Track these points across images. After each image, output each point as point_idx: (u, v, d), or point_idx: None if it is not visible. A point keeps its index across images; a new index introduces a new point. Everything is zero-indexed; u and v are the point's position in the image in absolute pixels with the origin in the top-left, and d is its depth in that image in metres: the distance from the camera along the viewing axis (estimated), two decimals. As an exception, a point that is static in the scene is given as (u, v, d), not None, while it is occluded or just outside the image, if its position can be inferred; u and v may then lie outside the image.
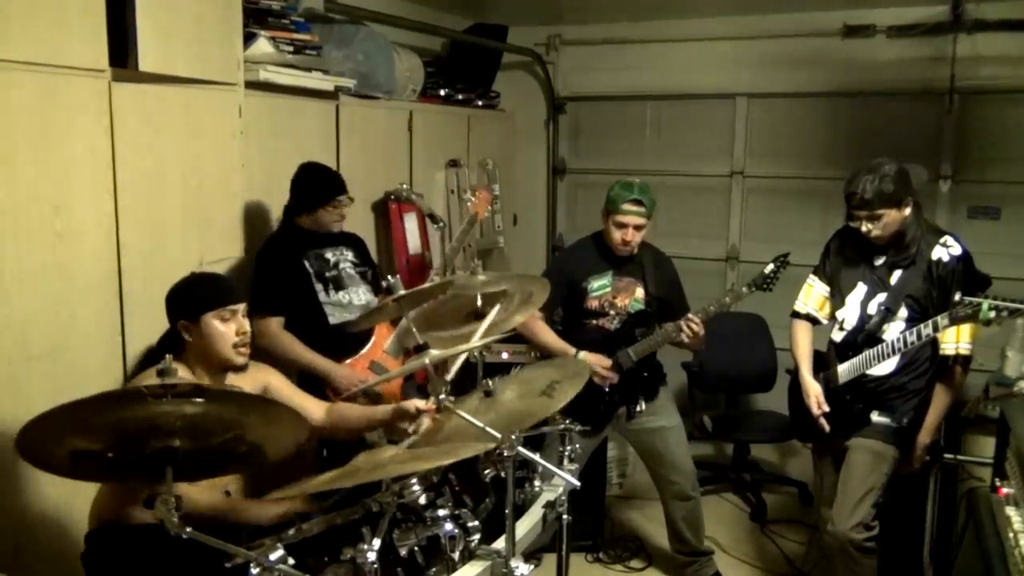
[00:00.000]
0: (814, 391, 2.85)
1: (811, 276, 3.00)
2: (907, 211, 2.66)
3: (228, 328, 2.17)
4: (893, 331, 2.71)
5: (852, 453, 2.76)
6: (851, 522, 2.68)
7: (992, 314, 2.37)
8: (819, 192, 4.96)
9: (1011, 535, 2.05)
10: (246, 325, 2.22)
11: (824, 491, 3.00)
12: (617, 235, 3.09)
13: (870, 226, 2.66)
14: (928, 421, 2.76)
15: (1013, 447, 2.36)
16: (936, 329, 2.53)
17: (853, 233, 2.78)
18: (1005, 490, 2.30)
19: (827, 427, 2.81)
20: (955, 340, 2.68)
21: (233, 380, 2.26)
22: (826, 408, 2.81)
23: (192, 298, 2.19)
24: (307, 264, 2.97)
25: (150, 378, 2.06)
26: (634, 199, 3.04)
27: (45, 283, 2.31)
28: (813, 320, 2.98)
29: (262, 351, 2.85)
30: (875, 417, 2.75)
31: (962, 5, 4.41)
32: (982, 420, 2.96)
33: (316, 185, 3.00)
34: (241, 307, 2.21)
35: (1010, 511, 2.18)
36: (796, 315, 3.01)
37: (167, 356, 1.89)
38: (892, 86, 4.66)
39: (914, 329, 2.60)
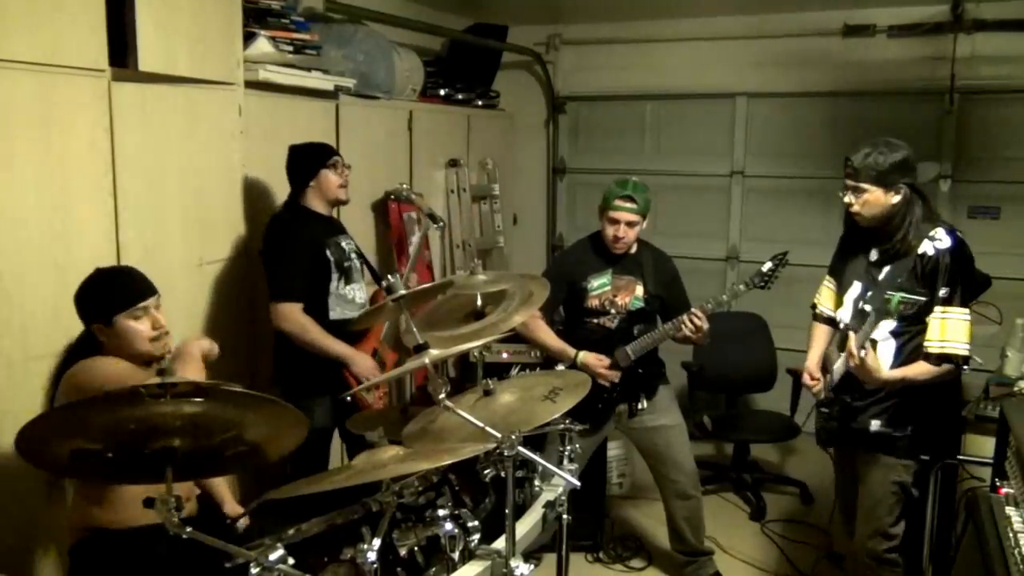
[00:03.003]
0: (808, 371, 2.81)
1: (827, 274, 2.91)
2: (895, 198, 2.51)
3: (142, 326, 2.13)
4: (883, 330, 2.57)
5: (862, 468, 2.70)
6: (868, 530, 2.65)
7: (901, 308, 2.36)
8: (819, 192, 4.96)
9: (1011, 535, 2.05)
10: (161, 318, 2.17)
11: (839, 495, 2.97)
12: (610, 231, 3.10)
13: (852, 199, 2.56)
14: (899, 372, 2.54)
15: (1013, 447, 2.36)
16: (871, 326, 2.42)
17: (856, 227, 2.67)
18: (1005, 490, 2.30)
19: (816, 391, 2.78)
20: (938, 338, 2.47)
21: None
22: (818, 380, 2.77)
23: (102, 301, 2.14)
24: (328, 252, 2.95)
25: (98, 368, 2.06)
26: (626, 195, 3.04)
27: (45, 283, 2.31)
28: (830, 320, 2.86)
29: (282, 334, 2.88)
30: (877, 427, 2.63)
31: (962, 5, 4.42)
32: (982, 420, 2.95)
33: (311, 151, 3.00)
34: (152, 300, 2.17)
35: (1010, 511, 2.18)
36: (813, 313, 2.94)
37: (167, 355, 1.90)
38: (892, 86, 4.67)
39: (863, 330, 2.46)
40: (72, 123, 2.36)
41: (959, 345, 2.46)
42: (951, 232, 2.52)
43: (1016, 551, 1.97)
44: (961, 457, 2.97)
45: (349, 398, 2.89)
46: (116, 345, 2.14)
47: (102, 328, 2.13)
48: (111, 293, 2.15)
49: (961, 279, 2.47)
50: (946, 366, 2.47)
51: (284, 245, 2.91)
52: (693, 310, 3.00)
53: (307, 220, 2.98)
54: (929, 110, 4.61)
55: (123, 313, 2.11)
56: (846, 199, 2.58)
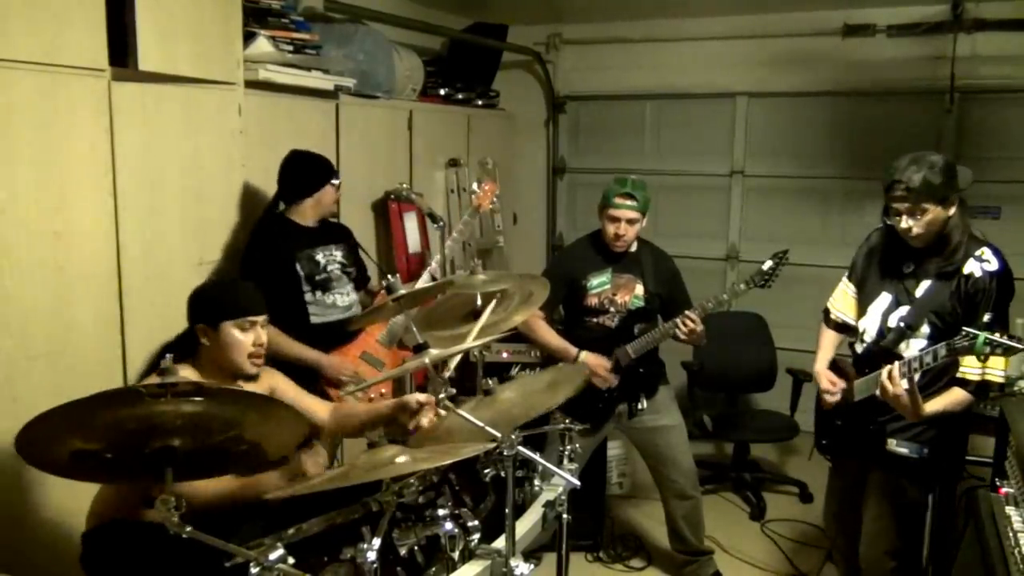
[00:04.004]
0: (826, 375, 2.70)
1: (844, 277, 2.81)
2: (952, 211, 2.40)
3: (246, 338, 2.17)
4: (914, 348, 2.47)
5: (875, 486, 2.64)
6: (879, 549, 2.63)
7: (987, 349, 2.17)
8: (819, 192, 4.98)
9: (1011, 535, 2.05)
10: (263, 336, 2.21)
11: (831, 505, 2.96)
12: (610, 229, 3.10)
13: (911, 222, 2.40)
14: (939, 405, 2.42)
15: (1013, 447, 2.36)
16: (936, 359, 2.29)
17: (889, 235, 2.58)
18: (1005, 490, 2.29)
19: (833, 399, 2.67)
20: (981, 364, 2.34)
21: (243, 386, 2.26)
22: (840, 387, 2.66)
23: (215, 304, 2.19)
24: (298, 267, 2.98)
25: None
26: (625, 193, 3.06)
27: (45, 283, 2.31)
28: (843, 326, 2.80)
29: None
30: (894, 447, 2.54)
31: (962, 5, 4.42)
32: (982, 420, 2.95)
33: (319, 165, 3.04)
34: (261, 319, 2.21)
35: (1010, 511, 2.17)
36: (826, 317, 2.83)
37: (167, 356, 1.90)
38: (892, 85, 4.67)
39: (918, 356, 2.34)
40: (72, 123, 2.36)
41: (998, 372, 2.38)
42: (998, 253, 2.43)
43: (1016, 551, 1.97)
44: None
45: None
46: (212, 351, 2.18)
47: (206, 330, 2.17)
48: (226, 297, 2.21)
49: (1006, 304, 2.39)
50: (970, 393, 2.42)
51: (253, 257, 2.93)
52: (687, 312, 3.01)
53: (285, 233, 2.99)
54: (929, 110, 4.61)
55: (232, 321, 2.15)
56: (903, 224, 2.41)
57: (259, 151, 3.13)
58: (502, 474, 1.91)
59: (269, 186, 3.20)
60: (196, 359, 2.21)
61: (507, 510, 1.78)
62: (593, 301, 3.18)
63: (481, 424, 1.84)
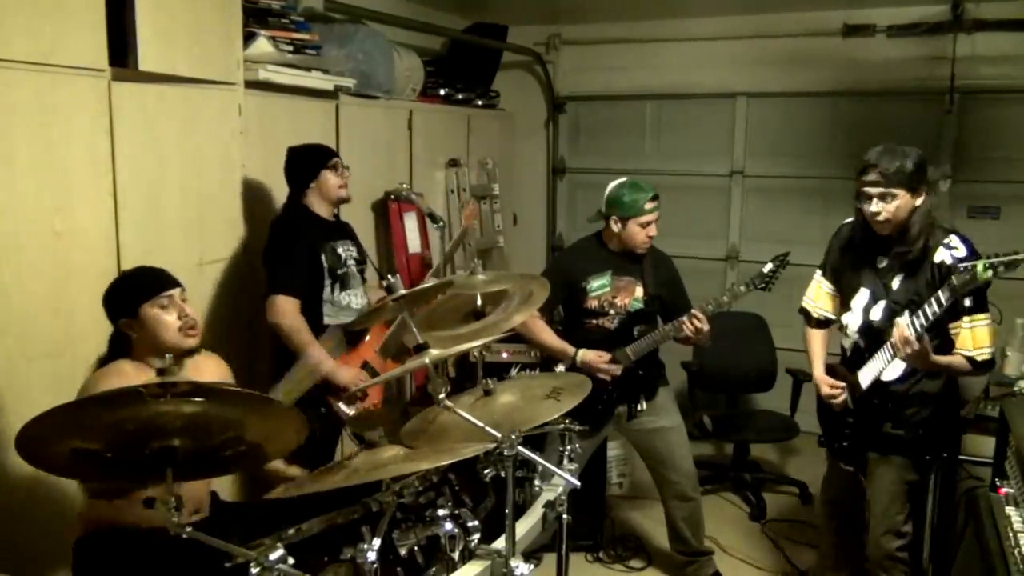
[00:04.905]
0: (826, 381, 2.75)
1: (816, 274, 2.88)
2: (919, 201, 2.49)
3: (169, 315, 2.13)
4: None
5: (874, 470, 2.70)
6: (881, 529, 2.67)
7: (989, 273, 2.23)
8: (819, 192, 4.97)
9: (1011, 535, 2.05)
10: (187, 308, 2.17)
11: (827, 492, 2.99)
12: (643, 235, 3.10)
13: (881, 206, 2.48)
14: (943, 359, 2.50)
15: (1013, 447, 2.37)
16: (940, 304, 2.33)
17: (856, 229, 2.66)
18: (1005, 490, 2.30)
19: (841, 402, 2.72)
20: (971, 347, 2.47)
21: (190, 369, 2.23)
22: (841, 389, 2.71)
23: (126, 294, 2.15)
24: (323, 258, 2.97)
25: (101, 380, 2.06)
26: (653, 196, 3.08)
27: (45, 283, 2.31)
28: (826, 322, 2.85)
29: (271, 327, 2.86)
30: (890, 429, 2.63)
31: (962, 5, 4.42)
32: (982, 420, 2.95)
33: (311, 153, 3.02)
34: (176, 291, 2.17)
35: (1010, 511, 2.18)
36: (807, 317, 2.89)
37: (167, 356, 1.90)
38: (892, 86, 4.67)
39: (919, 312, 2.39)
40: (72, 123, 2.36)
41: (987, 350, 2.48)
42: (965, 240, 2.49)
43: (1016, 551, 1.97)
44: (961, 457, 2.97)
45: (324, 408, 2.89)
46: (144, 339, 2.13)
47: (129, 323, 2.13)
48: (135, 285, 2.17)
49: (981, 287, 2.41)
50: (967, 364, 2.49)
51: (285, 243, 2.92)
52: (693, 311, 2.99)
53: (307, 222, 2.99)
54: (929, 110, 4.61)
55: (148, 302, 2.11)
56: (873, 207, 2.49)
57: (259, 151, 3.13)
58: (502, 474, 1.91)
59: (269, 186, 3.20)
60: (133, 356, 2.16)
61: (507, 510, 1.78)
62: (593, 303, 3.18)
63: (481, 424, 1.84)
